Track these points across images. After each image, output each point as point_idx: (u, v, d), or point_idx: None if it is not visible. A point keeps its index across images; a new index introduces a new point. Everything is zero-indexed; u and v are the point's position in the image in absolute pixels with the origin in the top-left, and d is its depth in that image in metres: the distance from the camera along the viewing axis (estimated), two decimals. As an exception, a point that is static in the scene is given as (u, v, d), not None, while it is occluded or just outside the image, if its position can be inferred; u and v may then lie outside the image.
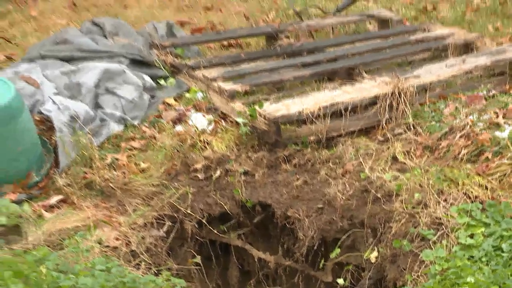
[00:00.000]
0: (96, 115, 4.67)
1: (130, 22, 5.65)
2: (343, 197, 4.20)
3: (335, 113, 4.56)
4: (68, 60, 5.05)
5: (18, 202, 4.04)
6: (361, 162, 4.34)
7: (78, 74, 4.88)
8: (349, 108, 4.57)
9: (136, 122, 4.73)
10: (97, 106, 4.74)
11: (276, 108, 4.54)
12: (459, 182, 4.03)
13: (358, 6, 6.20)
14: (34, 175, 4.28)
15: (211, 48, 5.60)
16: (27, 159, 4.29)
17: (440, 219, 3.83)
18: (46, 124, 4.49)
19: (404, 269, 3.78)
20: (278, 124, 4.48)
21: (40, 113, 4.52)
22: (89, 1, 6.51)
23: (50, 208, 4.10)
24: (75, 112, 4.56)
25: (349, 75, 5.05)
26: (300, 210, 4.26)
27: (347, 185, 4.25)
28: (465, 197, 3.94)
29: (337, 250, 4.23)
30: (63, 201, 4.16)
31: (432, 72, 5.00)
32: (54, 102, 4.59)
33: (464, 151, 4.24)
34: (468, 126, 4.39)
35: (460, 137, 4.34)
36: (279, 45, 5.52)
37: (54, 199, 4.16)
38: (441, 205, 3.91)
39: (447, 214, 3.83)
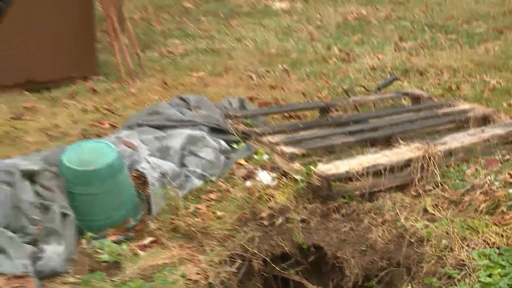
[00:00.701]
0: (182, 172, 4.67)
1: (209, 98, 5.68)
2: (383, 242, 4.15)
3: (376, 172, 4.53)
4: (160, 127, 5.08)
5: (118, 243, 4.05)
6: (397, 213, 4.29)
7: (168, 139, 4.91)
8: (388, 169, 4.55)
9: (213, 178, 4.72)
10: (182, 165, 4.76)
11: (328, 167, 4.53)
12: (479, 231, 3.97)
13: (394, 85, 6.17)
14: (131, 220, 4.28)
15: (274, 118, 5.59)
16: (126, 208, 4.30)
17: (464, 261, 3.76)
18: (141, 179, 4.50)
19: (434, 302, 3.72)
20: (329, 181, 4.45)
21: (137, 170, 4.54)
22: (177, 81, 6.56)
23: (144, 247, 4.09)
24: (164, 169, 4.58)
25: (388, 142, 5.02)
26: (347, 251, 4.21)
27: (386, 232, 4.20)
28: (484, 243, 3.87)
29: (373, 282, 4.17)
30: (154, 242, 4.15)
31: (456, 140, 4.96)
32: (148, 162, 4.62)
33: (483, 205, 4.18)
34: (487, 185, 4.33)
35: (480, 193, 4.28)
36: (330, 117, 5.51)
37: (147, 240, 4.15)
38: (464, 249, 3.84)
39: (470, 257, 3.76)
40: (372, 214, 4.36)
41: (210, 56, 7.50)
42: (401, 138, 5.02)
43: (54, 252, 3.88)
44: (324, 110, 5.60)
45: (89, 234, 4.11)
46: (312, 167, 4.55)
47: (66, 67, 6.72)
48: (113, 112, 5.89)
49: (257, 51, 7.61)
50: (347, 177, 4.52)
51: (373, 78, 6.62)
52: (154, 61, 7.34)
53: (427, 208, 4.32)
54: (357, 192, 4.48)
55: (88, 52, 6.90)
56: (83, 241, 4.06)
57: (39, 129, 5.59)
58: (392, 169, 4.57)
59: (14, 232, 3.96)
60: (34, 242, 3.94)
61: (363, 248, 4.20)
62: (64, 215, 4.05)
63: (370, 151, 4.87)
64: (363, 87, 6.23)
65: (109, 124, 5.61)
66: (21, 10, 6.46)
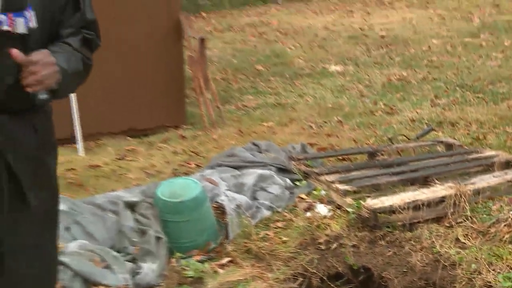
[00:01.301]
0: (253, 204, 4.68)
1: (277, 143, 5.71)
2: (421, 265, 4.08)
3: (416, 206, 4.47)
4: (236, 167, 5.10)
5: (201, 262, 4.06)
6: (433, 241, 4.22)
7: (242, 177, 4.92)
8: (425, 204, 4.48)
9: (280, 210, 4.71)
10: (254, 198, 4.76)
11: (375, 202, 4.50)
12: (504, 257, 3.91)
13: (431, 135, 6.13)
14: (212, 243, 4.29)
15: (330, 161, 5.57)
16: (208, 233, 4.32)
17: (490, 283, 3.70)
18: (220, 210, 4.52)
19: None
20: (376, 213, 4.41)
21: (217, 202, 4.56)
22: (250, 130, 6.61)
23: (222, 266, 4.09)
24: (239, 202, 4.59)
25: (425, 181, 4.96)
26: (391, 272, 4.14)
27: (423, 257, 4.14)
28: (508, 268, 3.81)
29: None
30: (230, 261, 4.14)
31: (484, 181, 4.88)
32: (226, 195, 4.63)
33: (507, 236, 4.11)
34: (510, 219, 4.27)
35: (504, 225, 4.21)
36: (377, 160, 5.47)
37: (224, 260, 4.15)
38: (491, 273, 3.77)
39: (496, 280, 3.70)
40: (412, 242, 4.30)
41: (277, 109, 7.52)
42: (436, 179, 4.96)
43: (149, 268, 3.91)
44: (372, 154, 5.57)
45: (178, 254, 4.14)
46: (361, 201, 4.53)
47: (161, 118, 6.82)
48: (198, 155, 5.95)
49: (316, 105, 7.62)
50: (391, 210, 4.47)
51: (413, 128, 6.57)
52: (232, 113, 7.39)
53: (459, 237, 4.25)
54: (399, 223, 4.43)
55: (179, 105, 6.99)
56: (173, 260, 4.09)
57: (139, 168, 5.67)
58: (429, 204, 4.51)
59: (118, 252, 4.02)
60: (133, 260, 3.99)
61: (405, 270, 4.14)
62: (158, 238, 4.09)
63: (410, 189, 4.82)
64: (404, 136, 6.19)
65: (195, 164, 5.66)
66: (128, 70, 6.61)
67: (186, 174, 5.24)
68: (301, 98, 8.00)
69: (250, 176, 4.89)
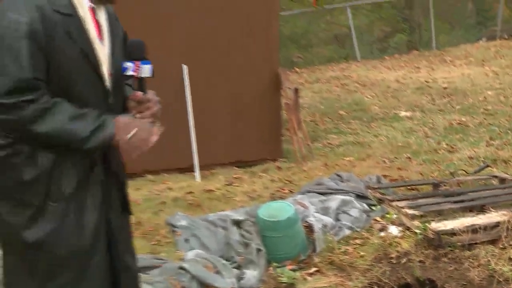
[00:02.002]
0: (336, 224, 4.62)
1: (356, 175, 5.63)
2: (478, 279, 3.94)
3: (474, 230, 4.31)
4: (322, 194, 5.06)
5: (293, 270, 4.05)
6: (489, 259, 4.07)
7: (327, 202, 4.87)
8: (482, 227, 4.33)
9: (358, 229, 4.63)
10: (337, 219, 4.70)
11: (439, 225, 4.38)
12: (551, 275, 3.71)
13: (486, 170, 5.91)
14: (302, 256, 4.26)
15: (400, 190, 5.44)
16: (299, 247, 4.29)
17: (539, 296, 3.53)
18: (309, 228, 4.48)
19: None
20: (440, 235, 4.28)
21: (306, 222, 4.53)
22: (334, 163, 6.56)
23: (310, 274, 4.06)
24: (325, 222, 4.54)
25: (482, 209, 4.78)
26: (452, 285, 4.00)
27: (480, 272, 3.99)
28: (555, 284, 3.62)
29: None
30: (317, 271, 4.10)
31: (533, 209, 4.68)
32: (314, 216, 4.60)
33: (554, 256, 3.92)
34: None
35: (551, 248, 4.02)
36: (440, 190, 5.31)
37: (312, 270, 4.11)
38: (540, 288, 3.61)
39: (544, 294, 3.53)
40: (470, 259, 4.15)
41: (356, 147, 7.45)
42: (491, 207, 4.77)
43: (251, 275, 3.92)
44: (436, 185, 5.42)
45: (274, 264, 4.13)
46: (427, 224, 4.41)
47: (262, 152, 6.86)
48: (291, 183, 5.94)
49: (389, 144, 7.50)
50: (452, 232, 4.32)
51: (471, 165, 6.36)
52: (319, 150, 7.36)
53: (511, 257, 4.09)
54: (459, 243, 4.28)
55: (277, 142, 7.03)
56: (270, 268, 4.09)
57: (243, 192, 5.70)
58: (485, 228, 4.34)
59: (227, 260, 4.05)
60: (238, 267, 4.01)
61: (464, 283, 3.99)
62: (258, 250, 4.10)
63: (469, 215, 4.65)
64: (464, 170, 6.00)
65: (289, 190, 5.65)
66: (236, 114, 6.72)
67: (281, 198, 5.23)
68: (376, 138, 7.89)
69: (334, 201, 4.84)
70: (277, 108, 6.99)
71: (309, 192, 5.12)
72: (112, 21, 2.31)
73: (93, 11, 2.19)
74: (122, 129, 2.13)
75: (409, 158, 6.79)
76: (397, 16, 18.99)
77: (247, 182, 6.09)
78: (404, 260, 4.23)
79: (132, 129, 2.14)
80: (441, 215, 4.75)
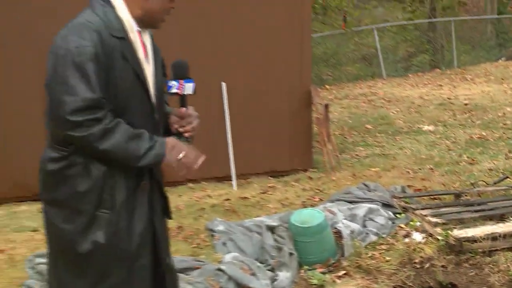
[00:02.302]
0: (363, 231, 4.57)
1: (382, 185, 5.56)
2: (498, 284, 3.86)
3: (494, 237, 4.21)
4: (350, 202, 5.01)
5: (323, 273, 4.03)
6: (508, 265, 3.99)
7: (355, 209, 4.82)
8: (502, 235, 4.23)
9: (384, 236, 4.57)
10: (364, 226, 4.65)
11: (460, 232, 4.30)
12: None
13: (505, 181, 5.78)
14: (331, 259, 4.22)
15: (424, 199, 5.35)
16: (328, 251, 4.25)
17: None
18: (338, 234, 4.44)
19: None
20: (461, 241, 4.20)
21: (335, 228, 4.48)
22: (361, 174, 6.49)
23: (339, 277, 4.02)
24: (353, 228, 4.49)
25: (501, 218, 4.68)
26: (473, 289, 3.94)
27: (500, 277, 3.91)
28: None
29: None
30: (345, 274, 4.07)
31: (551, 218, 4.55)
32: (342, 223, 4.55)
33: None
34: None
35: None
36: (462, 200, 5.21)
37: (341, 273, 4.08)
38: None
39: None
40: (491, 265, 4.06)
41: (382, 159, 7.36)
42: (510, 216, 4.67)
43: (284, 276, 3.90)
44: (457, 195, 5.32)
45: (305, 267, 4.11)
46: (449, 231, 4.33)
47: (294, 163, 6.83)
48: (321, 191, 5.89)
49: (413, 156, 7.40)
50: (473, 240, 4.23)
51: (490, 176, 6.23)
52: (347, 161, 7.30)
53: (530, 263, 3.98)
54: (480, 250, 4.19)
55: (308, 154, 6.99)
56: (302, 271, 4.06)
57: (277, 200, 5.68)
58: (504, 236, 4.24)
59: (261, 263, 4.03)
60: (272, 270, 3.99)
61: (484, 288, 3.92)
62: (291, 254, 4.07)
63: (489, 223, 4.55)
64: (484, 181, 5.88)
65: (319, 198, 5.61)
66: (271, 128, 6.72)
67: (312, 206, 5.20)
68: (400, 150, 7.80)
69: (361, 209, 4.79)
70: (308, 122, 6.97)
71: (338, 200, 5.08)
72: (153, 43, 2.36)
73: (140, 34, 2.25)
74: (170, 150, 2.17)
75: (432, 169, 6.68)
76: (421, 37, 18.79)
77: (280, 191, 6.06)
78: (427, 265, 4.16)
79: (181, 151, 2.19)
80: (462, 223, 4.65)
